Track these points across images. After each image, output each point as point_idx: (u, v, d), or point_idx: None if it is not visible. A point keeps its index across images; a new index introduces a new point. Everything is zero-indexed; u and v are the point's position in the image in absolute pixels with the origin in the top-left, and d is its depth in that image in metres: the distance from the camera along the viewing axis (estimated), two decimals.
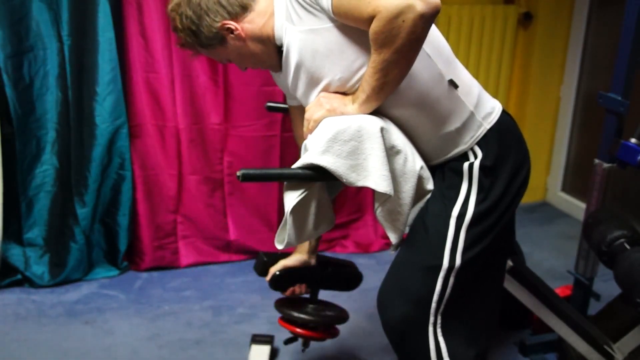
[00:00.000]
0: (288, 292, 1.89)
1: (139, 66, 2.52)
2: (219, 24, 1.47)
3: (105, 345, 2.22)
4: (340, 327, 1.95)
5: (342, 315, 1.91)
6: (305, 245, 1.82)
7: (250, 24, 1.49)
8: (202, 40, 1.50)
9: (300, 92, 1.54)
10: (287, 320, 1.86)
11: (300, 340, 1.94)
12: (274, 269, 1.82)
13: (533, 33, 3.21)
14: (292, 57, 1.47)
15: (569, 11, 3.21)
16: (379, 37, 1.31)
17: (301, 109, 1.64)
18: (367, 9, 1.30)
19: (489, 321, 1.65)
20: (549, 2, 3.16)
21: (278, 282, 1.83)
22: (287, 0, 1.44)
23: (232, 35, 1.49)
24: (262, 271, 1.86)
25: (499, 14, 3.08)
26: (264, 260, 1.85)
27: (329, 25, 1.40)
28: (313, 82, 1.48)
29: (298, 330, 1.85)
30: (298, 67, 1.48)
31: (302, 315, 1.83)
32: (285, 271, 1.82)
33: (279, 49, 1.51)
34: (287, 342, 1.97)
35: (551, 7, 3.17)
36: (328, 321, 1.88)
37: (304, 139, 1.50)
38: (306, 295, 1.93)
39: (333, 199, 1.65)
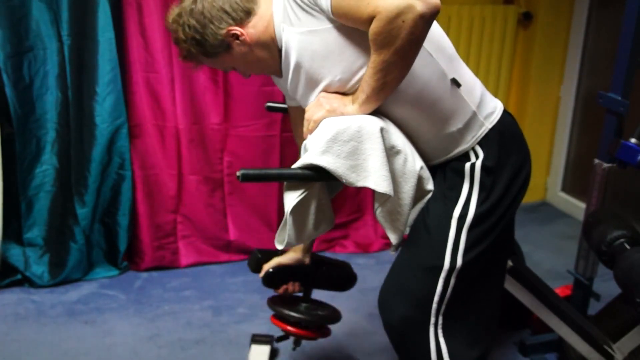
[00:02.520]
0: (281, 290, 1.88)
1: (139, 66, 2.52)
2: (224, 31, 1.46)
3: (105, 345, 2.22)
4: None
5: (334, 315, 1.90)
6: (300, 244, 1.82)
7: (254, 28, 1.47)
8: (207, 49, 1.49)
9: (299, 93, 1.53)
10: (279, 318, 1.86)
11: (292, 339, 1.93)
12: (268, 266, 1.82)
13: (533, 33, 3.21)
14: (291, 58, 1.46)
15: (569, 11, 3.21)
16: (378, 38, 1.31)
17: (300, 110, 1.63)
18: (367, 9, 1.29)
19: (490, 322, 1.65)
20: (549, 2, 3.16)
21: (271, 280, 1.83)
22: (285, 1, 1.44)
23: (237, 42, 1.48)
24: (255, 268, 1.85)
25: (499, 14, 3.08)
26: (257, 257, 1.85)
27: (328, 26, 1.39)
28: (312, 83, 1.47)
29: (289, 328, 1.85)
30: (297, 69, 1.47)
31: (294, 314, 1.82)
32: (279, 269, 1.82)
33: (281, 52, 1.51)
34: (279, 339, 1.96)
35: (551, 7, 3.17)
36: (320, 321, 1.87)
37: (304, 139, 1.50)
38: (300, 294, 1.93)
39: (332, 199, 1.64)
